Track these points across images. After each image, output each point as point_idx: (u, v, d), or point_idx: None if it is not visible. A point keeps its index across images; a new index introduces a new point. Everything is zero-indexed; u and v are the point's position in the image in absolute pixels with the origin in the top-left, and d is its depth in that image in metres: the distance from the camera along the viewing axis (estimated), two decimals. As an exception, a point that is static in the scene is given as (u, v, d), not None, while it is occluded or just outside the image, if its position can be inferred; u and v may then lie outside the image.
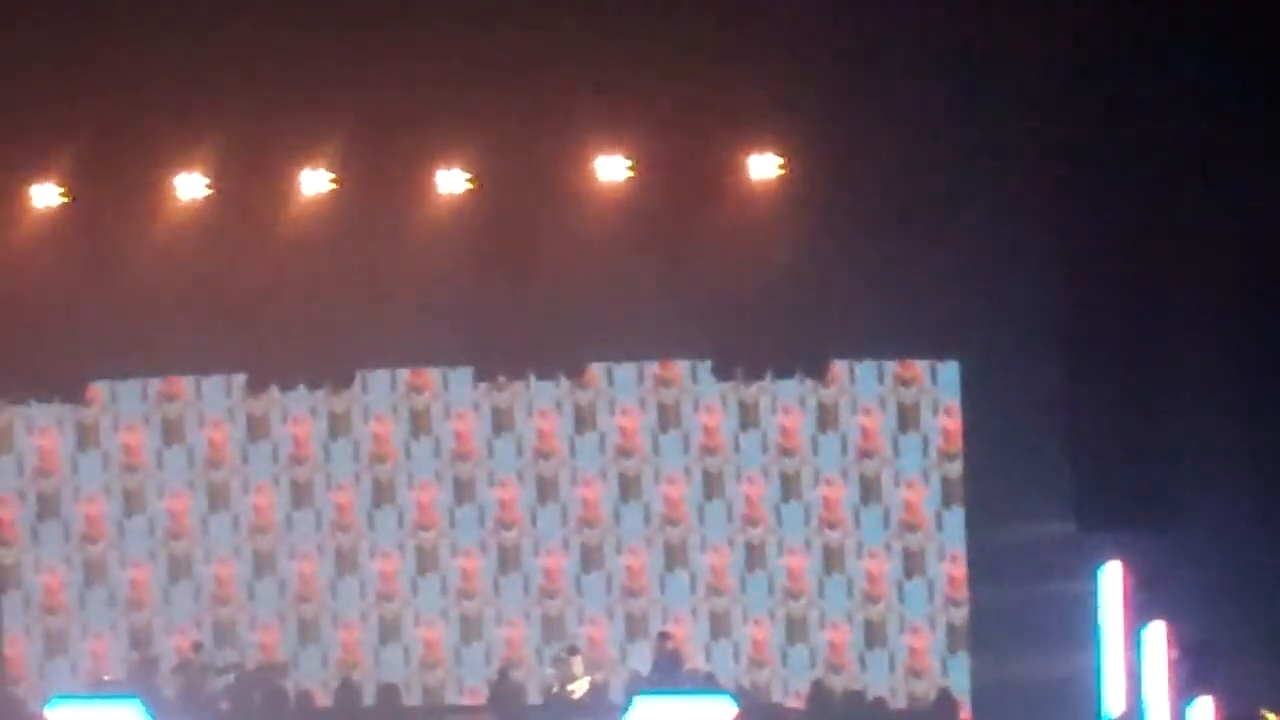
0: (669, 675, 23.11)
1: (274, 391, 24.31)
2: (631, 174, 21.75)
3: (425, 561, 24.57)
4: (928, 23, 20.76)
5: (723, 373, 23.50)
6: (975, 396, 22.44)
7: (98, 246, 22.57)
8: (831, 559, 23.70)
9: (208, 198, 22.23)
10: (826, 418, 23.68)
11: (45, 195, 22.18)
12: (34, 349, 23.32)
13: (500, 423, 24.44)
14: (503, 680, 23.82)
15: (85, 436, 24.73)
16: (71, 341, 23.38)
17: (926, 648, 23.34)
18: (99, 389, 24.52)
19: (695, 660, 23.74)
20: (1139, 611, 21.14)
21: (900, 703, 23.40)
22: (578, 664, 23.14)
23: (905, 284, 21.77)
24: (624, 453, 24.29)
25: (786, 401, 23.75)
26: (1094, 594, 21.35)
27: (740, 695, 22.88)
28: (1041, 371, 21.53)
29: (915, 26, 20.79)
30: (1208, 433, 21.37)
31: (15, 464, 24.64)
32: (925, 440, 23.33)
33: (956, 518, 23.04)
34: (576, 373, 24.02)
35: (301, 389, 24.17)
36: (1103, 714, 21.22)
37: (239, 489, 24.72)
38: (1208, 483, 21.31)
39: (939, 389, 23.15)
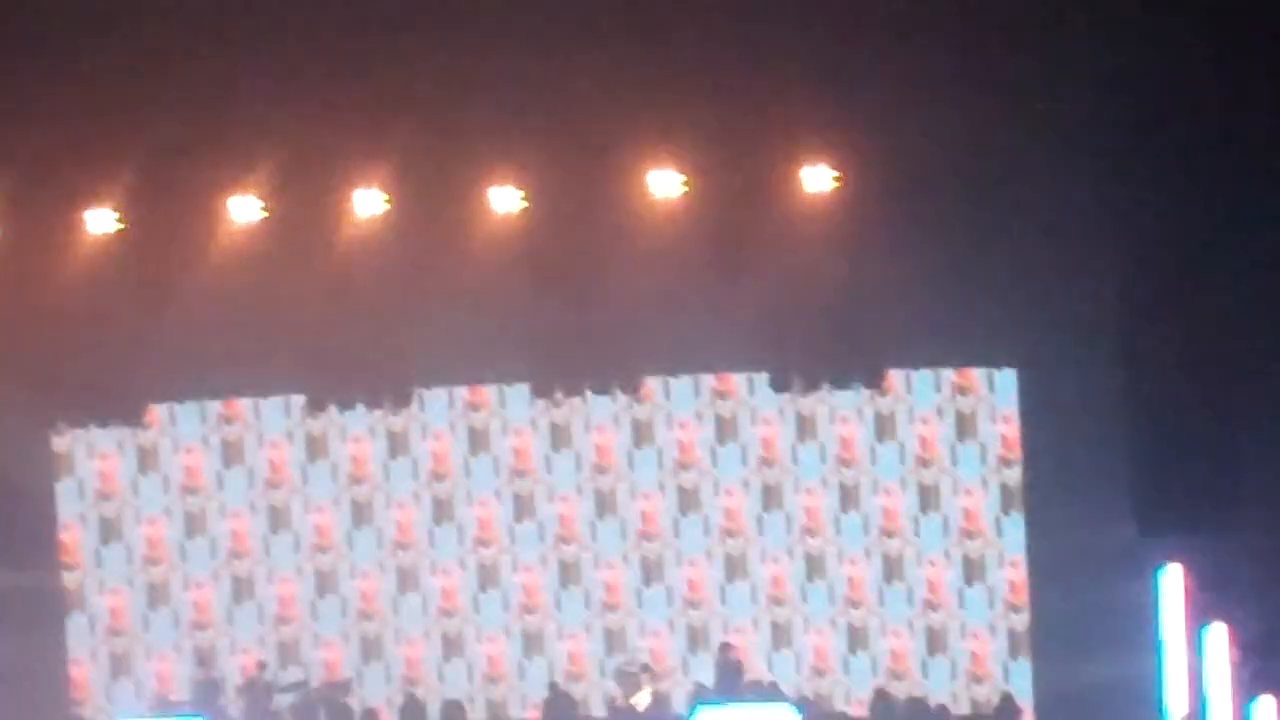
0: (731, 686, 23.16)
1: (333, 411, 24.43)
2: (685, 188, 21.82)
3: (486, 577, 24.65)
4: (979, 30, 20.78)
5: (779, 384, 23.59)
6: (1033, 403, 22.50)
7: (154, 270, 22.72)
8: (891, 567, 23.76)
9: (262, 220, 22.35)
10: (884, 427, 23.74)
11: (101, 220, 22.31)
12: (92, 373, 23.51)
13: (558, 439, 24.53)
14: (554, 696, 23.99)
15: (145, 459, 24.85)
16: (130, 365, 23.57)
17: (988, 653, 23.37)
18: (158, 412, 24.68)
19: (757, 670, 23.77)
20: (1199, 613, 21.16)
21: (963, 709, 23.42)
22: (643, 679, 23.30)
23: (961, 292, 21.83)
24: (682, 466, 24.37)
25: (844, 412, 23.81)
26: (1154, 597, 21.40)
27: (802, 704, 22.97)
28: (1099, 377, 21.57)
29: (967, 34, 20.81)
30: (1267, 435, 21.38)
31: (77, 488, 24.79)
32: (983, 448, 23.34)
33: (1016, 524, 23.09)
34: (633, 387, 24.09)
35: (360, 408, 24.28)
36: (1165, 716, 21.25)
37: (299, 509, 24.85)
38: (1267, 485, 21.31)
39: (996, 396, 23.20)
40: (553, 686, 24.01)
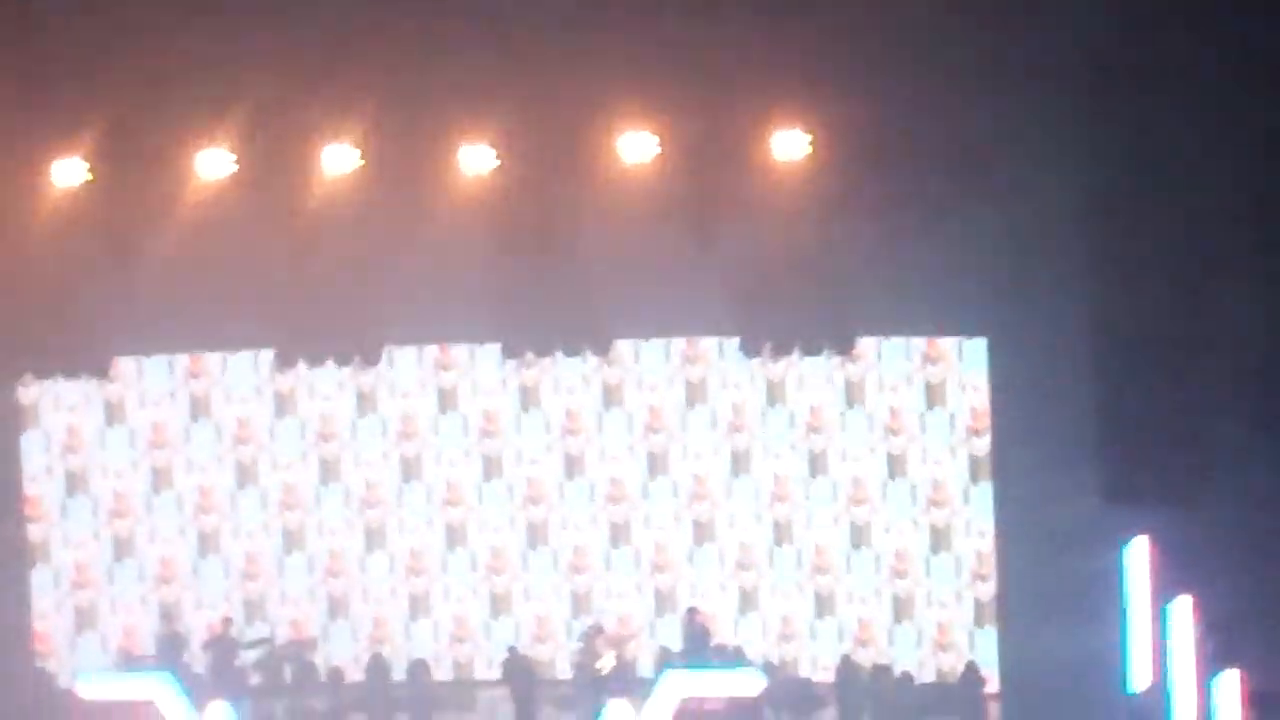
0: (698, 650, 23.22)
1: (301, 368, 24.37)
2: (658, 152, 21.73)
3: (454, 537, 24.66)
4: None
5: (750, 350, 23.54)
6: (1002, 373, 22.44)
7: (123, 223, 22.59)
8: (859, 534, 23.76)
9: (233, 175, 22.20)
10: (854, 395, 23.70)
11: (71, 172, 22.14)
12: (60, 326, 23.39)
13: (528, 399, 24.51)
14: (513, 658, 23.97)
15: (112, 413, 24.81)
16: (97, 318, 23.47)
17: (954, 622, 23.43)
18: (125, 365, 24.64)
19: (724, 635, 23.86)
20: (1166, 586, 21.19)
21: (928, 676, 23.47)
22: (605, 641, 23.33)
23: (932, 261, 21.76)
24: (652, 430, 24.35)
25: (814, 379, 23.78)
26: (1121, 569, 21.41)
27: (768, 669, 23.05)
28: (1069, 348, 21.50)
29: (943, 3, 20.72)
30: (1235, 409, 21.36)
31: (43, 440, 24.76)
32: (952, 417, 23.33)
33: (984, 494, 23.07)
34: (604, 350, 24.06)
35: (329, 365, 24.21)
36: (1129, 688, 21.30)
37: (267, 465, 24.80)
38: (1234, 459, 21.29)
39: (965, 366, 23.16)
40: (511, 650, 24.08)
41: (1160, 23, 20.27)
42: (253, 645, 24.13)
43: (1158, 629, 21.18)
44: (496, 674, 24.17)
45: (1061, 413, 21.72)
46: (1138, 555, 21.38)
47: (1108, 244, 21.31)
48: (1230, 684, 20.61)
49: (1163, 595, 21.19)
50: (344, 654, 24.59)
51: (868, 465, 23.68)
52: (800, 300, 22.50)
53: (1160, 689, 21.13)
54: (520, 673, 23.77)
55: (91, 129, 21.98)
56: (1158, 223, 21.11)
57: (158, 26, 21.38)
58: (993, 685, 22.92)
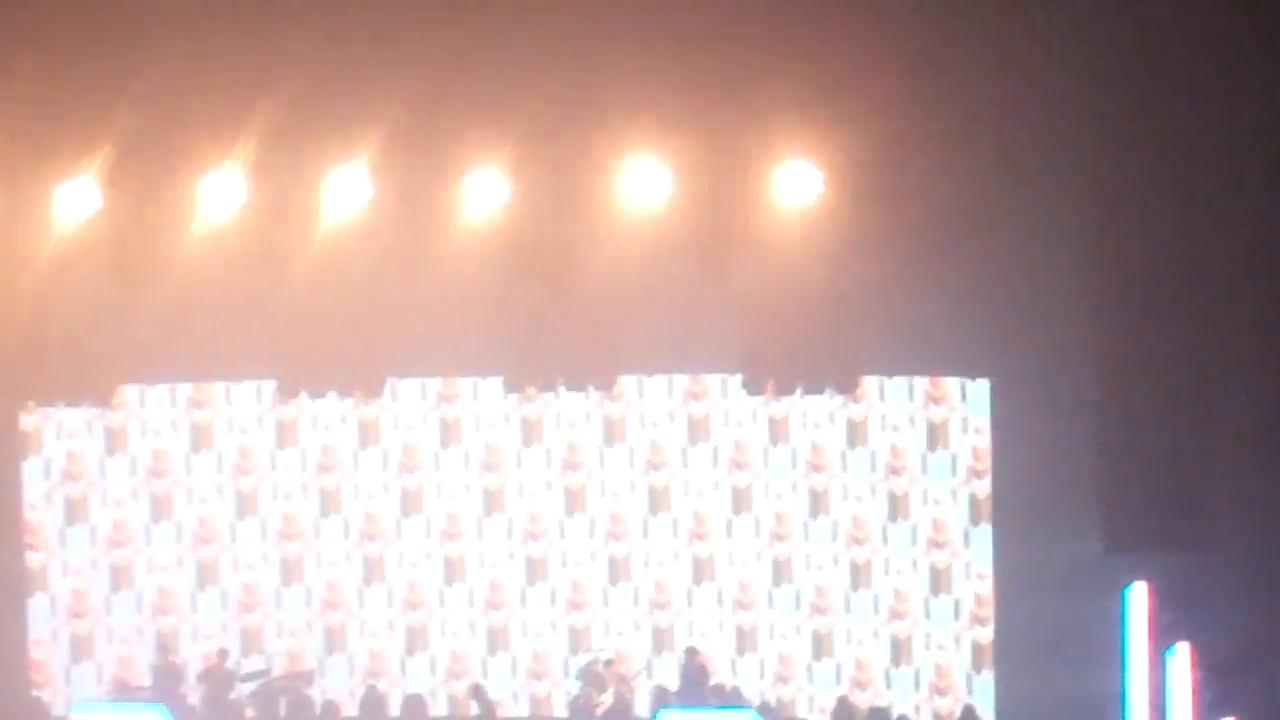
0: (695, 689, 23.16)
1: (304, 398, 24.41)
2: (666, 186, 21.78)
3: (453, 571, 24.64)
4: (966, 39, 20.77)
5: (753, 387, 23.56)
6: (1005, 415, 22.36)
7: (130, 250, 22.57)
8: (858, 575, 23.68)
9: (240, 204, 22.24)
10: (856, 434, 23.66)
11: (78, 198, 22.19)
12: (63, 352, 23.39)
13: (530, 434, 24.52)
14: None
15: (114, 441, 24.78)
16: (101, 346, 23.46)
17: (952, 665, 23.31)
18: (128, 393, 24.62)
19: (721, 675, 23.81)
20: (1165, 632, 21.13)
21: (925, 720, 23.57)
22: (606, 678, 23.26)
23: (937, 301, 21.76)
24: (653, 466, 24.35)
25: (816, 417, 23.77)
26: (1121, 614, 21.36)
27: (765, 710, 22.98)
28: (1072, 391, 21.47)
29: (953, 43, 20.80)
30: (1236, 454, 21.34)
31: (43, 468, 24.69)
32: (954, 458, 23.24)
33: (984, 536, 22.94)
34: (606, 385, 24.10)
35: (332, 396, 24.26)
36: (1128, 735, 21.26)
37: (267, 496, 24.79)
38: (1235, 504, 21.27)
39: (969, 407, 23.08)
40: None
41: (1171, 59, 20.36)
42: (249, 677, 24.07)
43: (1157, 675, 21.10)
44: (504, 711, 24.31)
45: (1063, 456, 21.65)
46: (1137, 601, 21.33)
47: (1114, 288, 21.34)
48: (1229, 732, 20.60)
49: (1162, 642, 21.10)
50: (340, 687, 24.54)
51: (869, 505, 23.64)
52: (804, 338, 22.48)
53: (1159, 735, 21.12)
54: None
55: (99, 156, 22.01)
56: (1164, 268, 21.16)
57: (167, 54, 21.46)
58: (990, 729, 23.00)
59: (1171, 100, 20.56)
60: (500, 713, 24.07)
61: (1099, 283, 21.37)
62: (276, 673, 24.24)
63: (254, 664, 24.39)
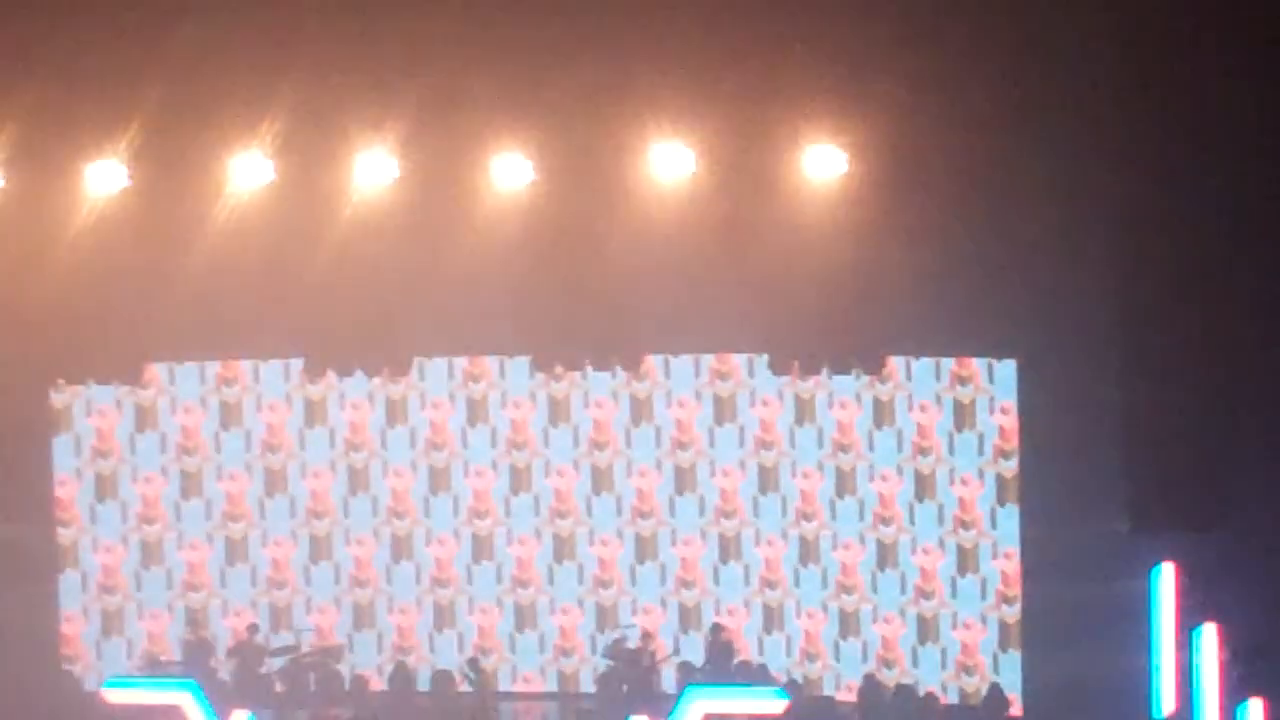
0: (721, 667, 23.21)
1: (331, 377, 24.46)
2: (692, 166, 21.74)
3: (481, 548, 24.68)
4: (995, 20, 20.66)
5: (779, 367, 23.51)
6: (1032, 395, 22.35)
7: (158, 228, 22.58)
8: (885, 554, 23.69)
9: (268, 182, 22.23)
10: (882, 414, 23.65)
11: (106, 176, 22.24)
12: (93, 330, 23.46)
13: (556, 413, 24.55)
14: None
15: (143, 418, 24.89)
16: (130, 323, 23.50)
17: (978, 644, 23.31)
18: (157, 371, 24.72)
19: (748, 652, 23.89)
20: (1192, 613, 21.10)
21: (951, 698, 23.37)
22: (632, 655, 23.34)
23: (963, 281, 21.72)
24: (680, 445, 24.36)
25: (843, 397, 23.74)
26: (1147, 594, 21.33)
27: (792, 688, 22.97)
28: (1099, 372, 21.41)
29: (978, 22, 20.69)
30: (1264, 435, 21.27)
31: (74, 444, 24.82)
32: (981, 438, 23.23)
33: (1011, 515, 22.97)
34: (633, 364, 24.10)
35: (359, 375, 24.28)
36: (1156, 714, 21.19)
37: (296, 473, 24.88)
38: (1263, 486, 21.21)
39: (995, 387, 23.06)
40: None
41: (1195, 44, 20.23)
42: (278, 653, 24.20)
43: (1184, 655, 21.08)
44: (532, 686, 24.37)
45: (1090, 437, 21.60)
46: (1164, 581, 21.31)
47: (1140, 269, 21.24)
48: (1256, 712, 20.50)
49: (1189, 622, 21.09)
50: (368, 663, 24.69)
51: (895, 485, 23.67)
52: (831, 318, 22.43)
53: (1186, 715, 21.01)
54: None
55: (127, 134, 22.03)
56: (1192, 248, 21.06)
57: (196, 33, 21.45)
58: (1016, 708, 22.85)
59: (1205, 83, 20.43)
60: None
61: (1126, 263, 21.29)
62: (306, 648, 24.35)
63: (283, 639, 24.51)
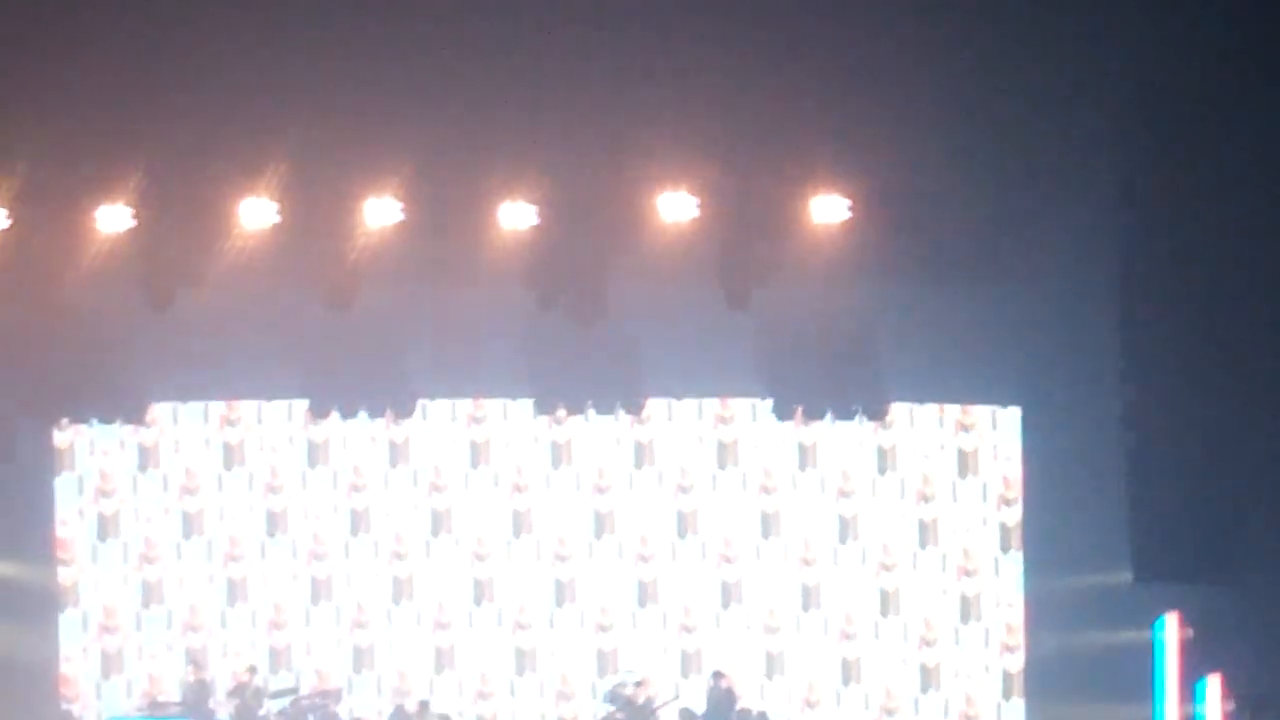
0: (722, 713, 23.15)
1: (335, 418, 24.44)
2: (696, 212, 21.73)
3: (482, 592, 24.66)
4: (995, 71, 20.66)
5: (782, 412, 23.50)
6: (1036, 444, 22.36)
7: (163, 270, 22.56)
8: (888, 602, 23.65)
9: (273, 224, 22.25)
10: (886, 460, 23.64)
11: (112, 218, 22.27)
12: (97, 369, 23.53)
13: (559, 456, 24.53)
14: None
15: (146, 458, 24.92)
16: (134, 363, 23.61)
17: (981, 693, 23.30)
18: (161, 411, 24.73)
19: (748, 699, 23.79)
20: (1196, 664, 21.01)
21: (954, 748, 23.45)
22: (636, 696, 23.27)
23: (968, 329, 21.75)
24: (682, 489, 24.35)
25: (846, 443, 23.75)
26: (1152, 645, 21.24)
27: (793, 736, 23.01)
28: (1103, 421, 21.31)
29: (983, 75, 20.69)
30: (1268, 485, 21.19)
31: (76, 483, 24.85)
32: (984, 486, 23.21)
33: (1014, 564, 22.93)
34: (636, 408, 24.08)
35: (362, 416, 24.28)
36: (1157, 766, 21.13)
37: (298, 514, 24.88)
38: (1268, 537, 21.12)
39: (999, 434, 23.04)
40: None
41: (1200, 95, 20.22)
42: (278, 695, 24.16)
43: (1188, 707, 20.99)
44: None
45: (1094, 485, 21.55)
46: (1169, 631, 21.23)
47: (1144, 317, 21.18)
48: (1260, 763, 20.46)
49: (1193, 673, 21.00)
50: (368, 706, 24.60)
51: (898, 532, 23.62)
52: (834, 364, 22.48)
53: (1190, 768, 20.99)
54: None
55: (134, 177, 22.05)
56: (1197, 298, 21.01)
57: (202, 77, 21.51)
58: (1019, 758, 22.88)
59: (1206, 129, 20.43)
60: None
61: (1131, 312, 21.27)
62: (305, 690, 24.34)
63: (283, 681, 24.49)
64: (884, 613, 23.65)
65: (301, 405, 24.48)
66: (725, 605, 24.26)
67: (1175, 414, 21.05)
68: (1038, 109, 20.61)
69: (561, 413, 24.23)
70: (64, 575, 24.70)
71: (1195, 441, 20.97)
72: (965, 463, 23.30)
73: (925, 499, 23.48)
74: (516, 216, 21.99)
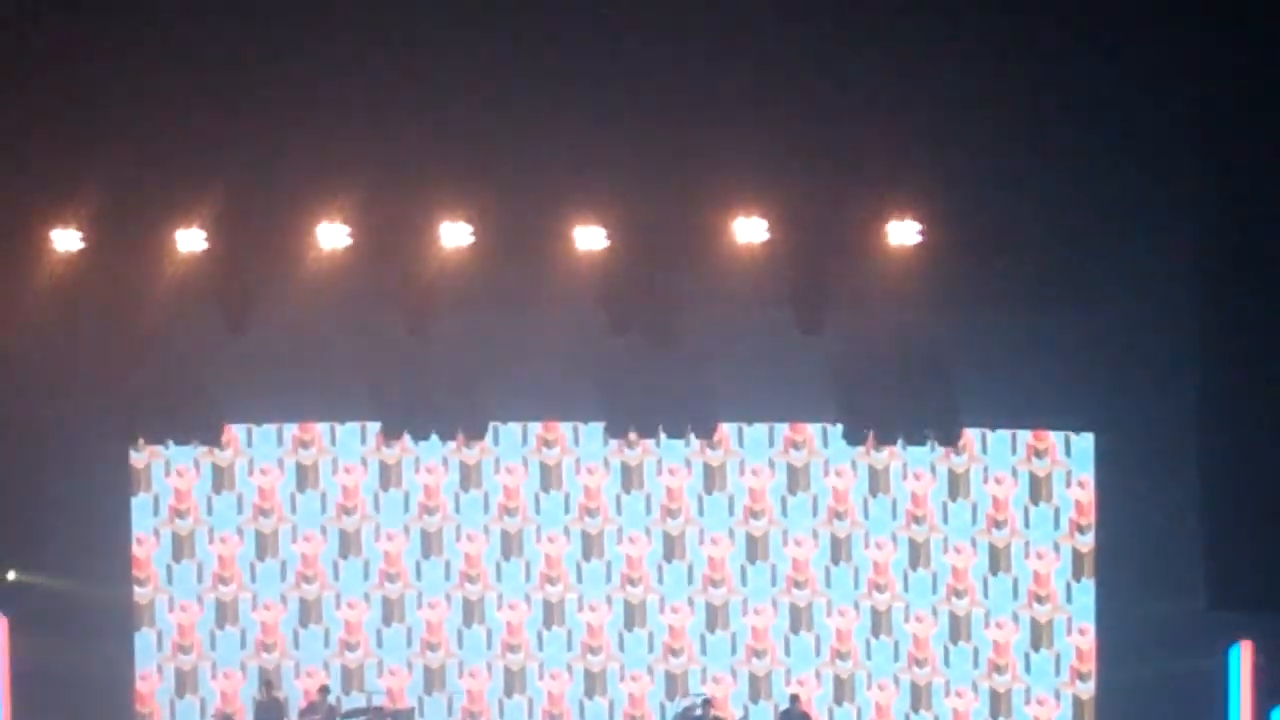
0: (792, 738, 23.15)
1: (407, 440, 24.55)
2: (768, 236, 21.75)
3: (552, 614, 24.70)
4: (1070, 94, 20.63)
5: (854, 437, 23.41)
6: (1109, 470, 22.22)
7: (239, 292, 22.78)
8: (958, 627, 23.53)
9: (347, 247, 22.39)
10: (957, 486, 23.53)
11: (190, 240, 22.43)
12: (173, 391, 23.70)
13: (630, 479, 24.55)
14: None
15: (221, 478, 25.07)
16: (210, 385, 23.77)
17: (1052, 720, 23.27)
18: (236, 432, 24.88)
19: (819, 723, 23.86)
20: (1270, 692, 20.84)
21: (1024, 775, 23.33)
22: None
23: (1041, 353, 21.66)
24: (753, 514, 24.32)
25: (917, 468, 23.66)
26: (1225, 673, 21.09)
27: (863, 761, 22.95)
28: (1177, 446, 21.25)
29: (1057, 97, 20.66)
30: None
31: (151, 503, 25.02)
32: (1057, 512, 23.08)
33: (1086, 591, 22.79)
34: (707, 432, 24.07)
35: (434, 439, 24.38)
36: (1231, 795, 20.96)
37: (370, 535, 25.00)
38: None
39: (1072, 460, 22.92)
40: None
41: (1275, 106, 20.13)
42: (350, 715, 24.25)
43: (1261, 736, 20.89)
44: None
45: (1168, 512, 21.44)
46: (1242, 659, 21.07)
47: (1220, 343, 21.08)
48: (1332, 793, 20.30)
49: (1266, 701, 20.86)
50: (438, 728, 24.85)
51: (969, 557, 23.51)
52: (906, 388, 22.44)
53: (1262, 797, 20.83)
54: None
55: (210, 202, 22.29)
56: (1274, 323, 20.87)
57: (278, 97, 21.68)
58: (1091, 787, 22.75)
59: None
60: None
61: (1208, 336, 21.14)
62: (376, 710, 24.43)
63: (355, 701, 24.60)
64: (954, 639, 23.52)
65: (374, 427, 24.60)
66: (795, 630, 24.23)
67: (1252, 441, 20.95)
68: (1115, 132, 20.58)
69: (633, 436, 24.26)
70: (139, 594, 24.88)
71: (1272, 469, 20.84)
72: (1038, 488, 23.16)
73: (997, 525, 23.36)
74: (589, 239, 22.16)
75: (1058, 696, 23.13)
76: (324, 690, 24.29)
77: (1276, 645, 20.84)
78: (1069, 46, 20.47)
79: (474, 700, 24.79)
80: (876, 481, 23.90)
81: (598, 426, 24.22)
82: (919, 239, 21.45)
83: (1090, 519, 22.78)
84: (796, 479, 24.18)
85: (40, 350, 22.72)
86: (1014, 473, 23.30)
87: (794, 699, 23.57)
